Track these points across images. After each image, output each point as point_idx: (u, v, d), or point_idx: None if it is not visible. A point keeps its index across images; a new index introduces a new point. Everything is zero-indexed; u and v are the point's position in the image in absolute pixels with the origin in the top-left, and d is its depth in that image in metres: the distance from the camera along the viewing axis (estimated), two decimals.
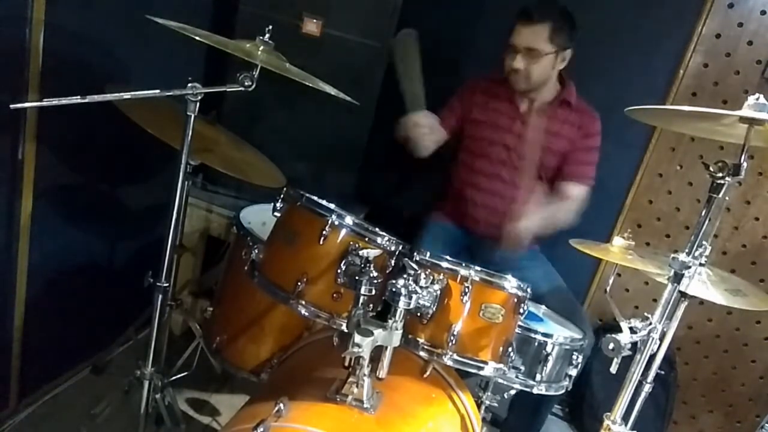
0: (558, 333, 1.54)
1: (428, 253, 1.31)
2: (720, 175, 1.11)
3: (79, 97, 1.16)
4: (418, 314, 1.27)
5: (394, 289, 1.18)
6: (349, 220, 1.33)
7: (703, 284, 1.28)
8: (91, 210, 1.94)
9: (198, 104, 1.32)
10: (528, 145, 2.05)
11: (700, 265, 1.21)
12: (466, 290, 1.26)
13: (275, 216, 1.46)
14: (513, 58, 1.93)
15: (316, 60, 1.92)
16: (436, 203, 2.28)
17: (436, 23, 2.50)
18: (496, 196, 2.09)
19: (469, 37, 2.49)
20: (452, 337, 1.27)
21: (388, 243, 1.34)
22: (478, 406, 1.54)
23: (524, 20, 1.89)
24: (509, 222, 1.82)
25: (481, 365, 1.31)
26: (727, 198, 1.12)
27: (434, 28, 2.49)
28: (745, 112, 1.06)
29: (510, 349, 1.34)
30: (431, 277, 1.27)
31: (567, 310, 1.82)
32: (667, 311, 1.22)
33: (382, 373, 1.19)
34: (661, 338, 1.24)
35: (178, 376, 1.85)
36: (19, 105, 1.40)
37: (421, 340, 1.30)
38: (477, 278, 1.28)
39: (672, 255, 1.16)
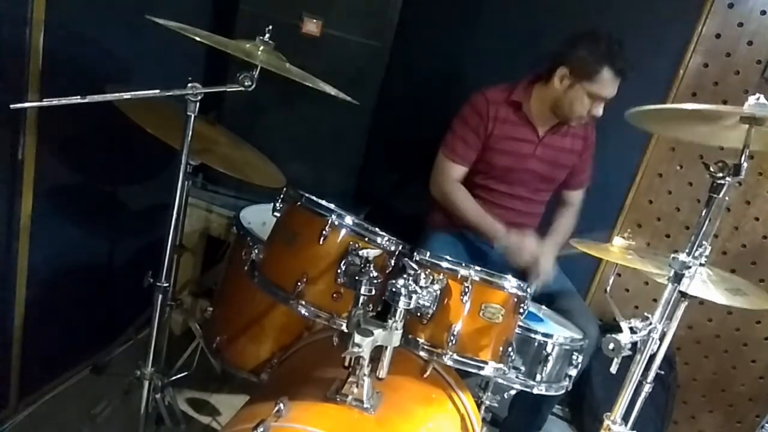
0: (558, 333, 1.54)
1: (428, 253, 1.31)
2: (720, 175, 1.11)
3: (79, 97, 1.16)
4: (418, 314, 1.27)
5: (394, 289, 1.17)
6: (349, 220, 1.33)
7: (703, 284, 1.28)
8: (91, 210, 1.94)
9: (198, 104, 1.32)
10: (550, 167, 2.07)
11: (700, 265, 1.21)
12: (466, 290, 1.26)
13: (275, 216, 1.46)
14: (597, 108, 1.90)
15: (316, 60, 1.92)
16: (438, 208, 2.16)
17: (436, 23, 2.51)
18: (516, 212, 2.08)
19: (469, 39, 2.48)
20: (452, 337, 1.27)
21: (388, 243, 1.34)
22: (478, 406, 1.54)
23: (623, 76, 1.86)
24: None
25: (481, 365, 1.31)
26: (727, 198, 1.12)
27: (434, 28, 2.51)
28: (747, 110, 1.06)
29: (510, 349, 1.34)
30: (431, 277, 1.26)
31: (576, 311, 1.83)
32: (667, 311, 1.21)
33: (382, 373, 1.19)
34: (661, 338, 1.24)
35: (178, 376, 1.85)
36: (19, 105, 1.40)
37: (421, 340, 1.30)
38: (477, 278, 1.28)
39: (672, 255, 1.16)
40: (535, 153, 2.03)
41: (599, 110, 1.91)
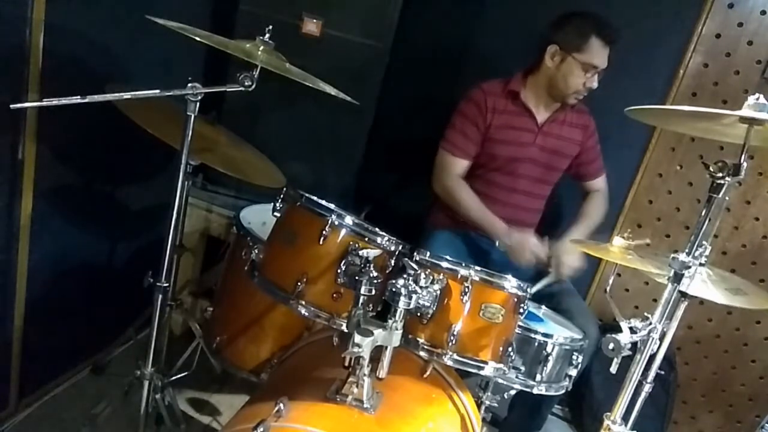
0: (558, 333, 1.54)
1: (428, 253, 1.31)
2: (720, 175, 1.11)
3: (79, 97, 1.16)
4: (418, 314, 1.27)
5: (394, 289, 1.18)
6: (349, 220, 1.33)
7: (703, 284, 1.28)
8: (91, 210, 1.94)
9: (198, 104, 1.32)
10: (552, 156, 2.07)
11: (700, 265, 1.21)
12: (466, 290, 1.26)
13: (275, 216, 1.46)
14: (592, 80, 1.91)
15: (316, 60, 1.92)
16: (439, 207, 2.19)
17: (436, 24, 2.51)
18: (517, 208, 2.08)
19: (469, 39, 2.48)
20: (452, 337, 1.27)
21: (388, 243, 1.34)
22: (478, 406, 1.54)
23: (611, 43, 1.88)
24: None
25: (481, 365, 1.31)
26: (727, 198, 1.12)
27: (434, 28, 2.51)
28: (745, 112, 1.06)
29: (510, 349, 1.34)
30: (431, 277, 1.26)
31: (576, 311, 1.83)
32: (667, 311, 1.22)
33: (382, 373, 1.19)
34: (661, 338, 1.24)
35: (178, 376, 1.84)
36: (19, 105, 1.40)
37: (421, 340, 1.30)
38: (477, 278, 1.28)
39: (672, 255, 1.16)
40: (535, 142, 2.04)
41: (594, 82, 1.92)
